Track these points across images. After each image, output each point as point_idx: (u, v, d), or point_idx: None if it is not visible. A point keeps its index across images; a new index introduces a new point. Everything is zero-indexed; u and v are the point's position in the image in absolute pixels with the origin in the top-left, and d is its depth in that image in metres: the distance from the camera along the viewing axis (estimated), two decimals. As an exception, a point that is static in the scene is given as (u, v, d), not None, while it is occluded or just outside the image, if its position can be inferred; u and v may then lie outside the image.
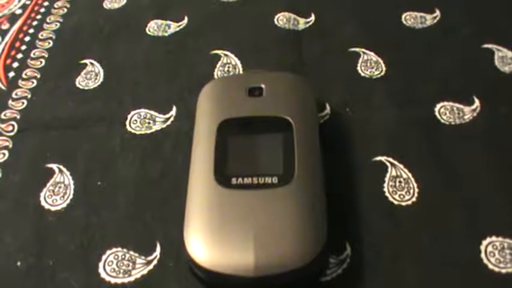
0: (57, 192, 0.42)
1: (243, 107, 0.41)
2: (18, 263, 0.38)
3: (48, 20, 0.59)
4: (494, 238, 0.38)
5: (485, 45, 0.52)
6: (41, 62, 0.54)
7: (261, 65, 0.51)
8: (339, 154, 0.43)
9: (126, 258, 0.38)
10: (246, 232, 0.34)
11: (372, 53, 0.51)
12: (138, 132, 0.46)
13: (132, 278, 0.37)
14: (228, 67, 0.51)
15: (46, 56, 0.55)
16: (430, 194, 0.40)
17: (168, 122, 0.47)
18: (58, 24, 0.59)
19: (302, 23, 0.56)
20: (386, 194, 0.40)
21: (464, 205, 0.40)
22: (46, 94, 0.51)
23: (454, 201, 0.40)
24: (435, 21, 0.55)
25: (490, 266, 0.36)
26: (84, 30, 0.58)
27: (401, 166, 0.42)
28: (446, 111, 0.46)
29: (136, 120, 0.47)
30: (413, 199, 0.40)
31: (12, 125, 0.48)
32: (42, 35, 0.57)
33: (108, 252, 0.38)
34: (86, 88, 0.51)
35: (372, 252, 0.37)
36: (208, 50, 0.53)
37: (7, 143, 0.46)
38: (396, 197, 0.40)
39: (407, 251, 0.37)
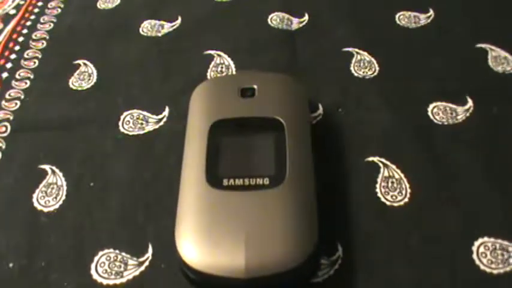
0: (50, 193, 0.42)
1: (235, 108, 0.41)
2: (11, 264, 0.38)
3: (41, 20, 0.59)
4: (486, 239, 0.38)
5: (479, 45, 0.52)
6: (35, 63, 0.54)
7: (254, 65, 0.51)
8: (332, 155, 0.43)
9: (118, 260, 0.38)
10: (237, 233, 0.34)
11: (365, 53, 0.51)
12: (131, 133, 0.46)
13: (124, 280, 0.37)
14: (221, 67, 0.51)
15: (39, 56, 0.55)
16: (423, 195, 0.40)
17: (161, 123, 0.47)
18: (52, 24, 0.59)
19: (295, 23, 0.56)
20: (379, 194, 0.40)
21: (456, 206, 0.40)
22: (39, 95, 0.51)
23: (446, 201, 0.40)
24: (429, 20, 0.55)
25: (482, 267, 0.36)
26: (78, 30, 0.58)
27: (394, 167, 0.42)
28: (439, 111, 0.46)
29: (129, 121, 0.47)
30: (406, 200, 0.40)
31: (5, 126, 0.47)
32: (35, 35, 0.57)
33: (100, 253, 0.38)
34: (79, 89, 0.51)
35: (364, 253, 0.37)
36: (201, 50, 0.53)
37: (0, 144, 0.46)
38: (388, 197, 0.40)
39: (399, 251, 0.37)
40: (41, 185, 0.43)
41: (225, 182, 0.36)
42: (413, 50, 0.52)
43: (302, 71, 0.50)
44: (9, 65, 0.54)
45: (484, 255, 0.37)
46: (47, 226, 0.40)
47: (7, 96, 0.50)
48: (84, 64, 0.53)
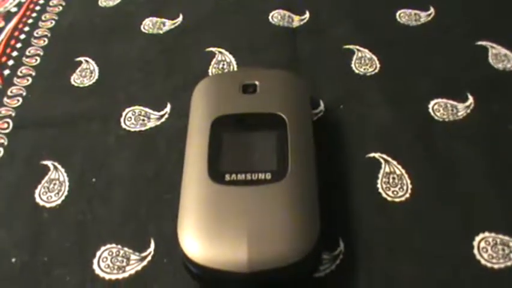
0: (52, 189, 0.42)
1: (237, 104, 0.41)
2: (13, 260, 0.38)
3: (43, 18, 0.59)
4: (487, 234, 0.38)
5: (480, 43, 0.52)
6: (36, 60, 0.54)
7: (255, 62, 0.51)
8: (333, 151, 0.43)
9: (120, 255, 0.38)
10: (240, 228, 0.34)
11: (366, 50, 0.52)
12: (132, 129, 0.46)
13: (126, 274, 0.37)
14: (223, 64, 0.51)
15: (41, 53, 0.55)
16: (424, 191, 0.40)
17: (163, 119, 0.47)
18: (53, 21, 0.59)
19: (297, 21, 0.56)
20: (380, 190, 0.41)
21: (457, 201, 0.40)
22: (41, 92, 0.51)
23: (447, 197, 0.40)
24: (429, 18, 0.55)
25: (483, 262, 0.36)
26: (80, 27, 0.58)
27: (395, 163, 0.42)
28: (440, 108, 0.46)
29: (130, 117, 0.47)
30: (407, 195, 0.40)
31: (8, 123, 0.48)
32: (37, 33, 0.57)
33: (103, 248, 0.38)
34: (81, 86, 0.51)
35: (365, 248, 0.38)
36: (202, 48, 0.53)
37: (2, 140, 0.46)
38: (390, 193, 0.40)
39: (400, 247, 0.37)
40: (43, 181, 0.43)
41: (227, 177, 0.36)
42: (414, 47, 0.52)
43: (303, 68, 0.51)
44: (11, 62, 0.54)
45: (484, 250, 0.37)
46: (49, 222, 0.40)
47: (9, 93, 0.50)
48: (86, 61, 0.53)
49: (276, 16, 0.56)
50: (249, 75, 0.43)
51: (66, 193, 0.42)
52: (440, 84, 0.48)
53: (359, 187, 0.41)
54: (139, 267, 0.37)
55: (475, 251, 0.37)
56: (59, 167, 0.44)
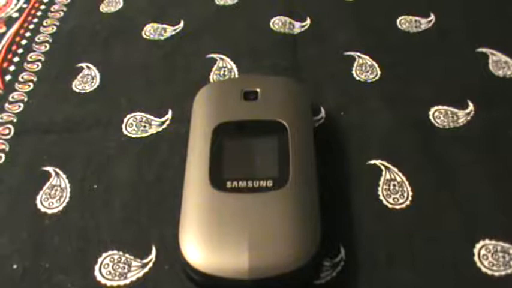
0: (54, 195, 0.42)
1: (238, 111, 0.41)
2: (15, 266, 0.38)
3: (44, 24, 0.59)
4: (487, 241, 0.38)
5: (480, 50, 0.52)
6: (38, 65, 0.54)
7: (256, 68, 0.52)
8: (334, 158, 0.43)
9: (122, 261, 0.38)
10: (241, 235, 0.34)
11: (367, 57, 0.52)
12: (134, 136, 0.46)
13: (127, 281, 0.37)
14: (224, 71, 0.51)
15: (43, 59, 0.55)
16: (424, 198, 0.41)
17: (164, 126, 0.47)
18: (55, 27, 0.59)
19: (297, 27, 0.56)
20: (381, 197, 0.41)
21: (458, 208, 0.40)
22: (42, 97, 0.51)
23: (448, 204, 0.40)
24: (430, 25, 0.56)
25: (483, 269, 0.36)
26: (81, 33, 0.58)
27: (396, 170, 0.42)
28: (440, 115, 0.46)
29: (132, 124, 0.47)
30: (408, 202, 0.40)
31: (9, 128, 0.48)
32: (38, 38, 0.57)
33: (104, 255, 0.38)
34: (83, 91, 0.51)
35: (366, 255, 0.38)
36: (204, 54, 0.53)
37: (3, 146, 0.46)
38: (390, 200, 0.40)
39: (401, 254, 0.38)
40: (44, 187, 0.43)
41: (229, 184, 0.36)
42: (414, 54, 0.52)
43: (304, 75, 0.51)
44: (12, 68, 0.54)
45: (485, 257, 0.37)
46: (51, 228, 0.40)
47: (10, 99, 0.50)
48: (87, 67, 0.53)
49: (277, 23, 0.56)
50: (250, 82, 0.44)
51: (67, 199, 0.42)
52: (440, 91, 0.48)
53: (360, 194, 0.41)
54: (140, 274, 0.37)
55: (476, 258, 0.37)
56: (61, 173, 0.44)
